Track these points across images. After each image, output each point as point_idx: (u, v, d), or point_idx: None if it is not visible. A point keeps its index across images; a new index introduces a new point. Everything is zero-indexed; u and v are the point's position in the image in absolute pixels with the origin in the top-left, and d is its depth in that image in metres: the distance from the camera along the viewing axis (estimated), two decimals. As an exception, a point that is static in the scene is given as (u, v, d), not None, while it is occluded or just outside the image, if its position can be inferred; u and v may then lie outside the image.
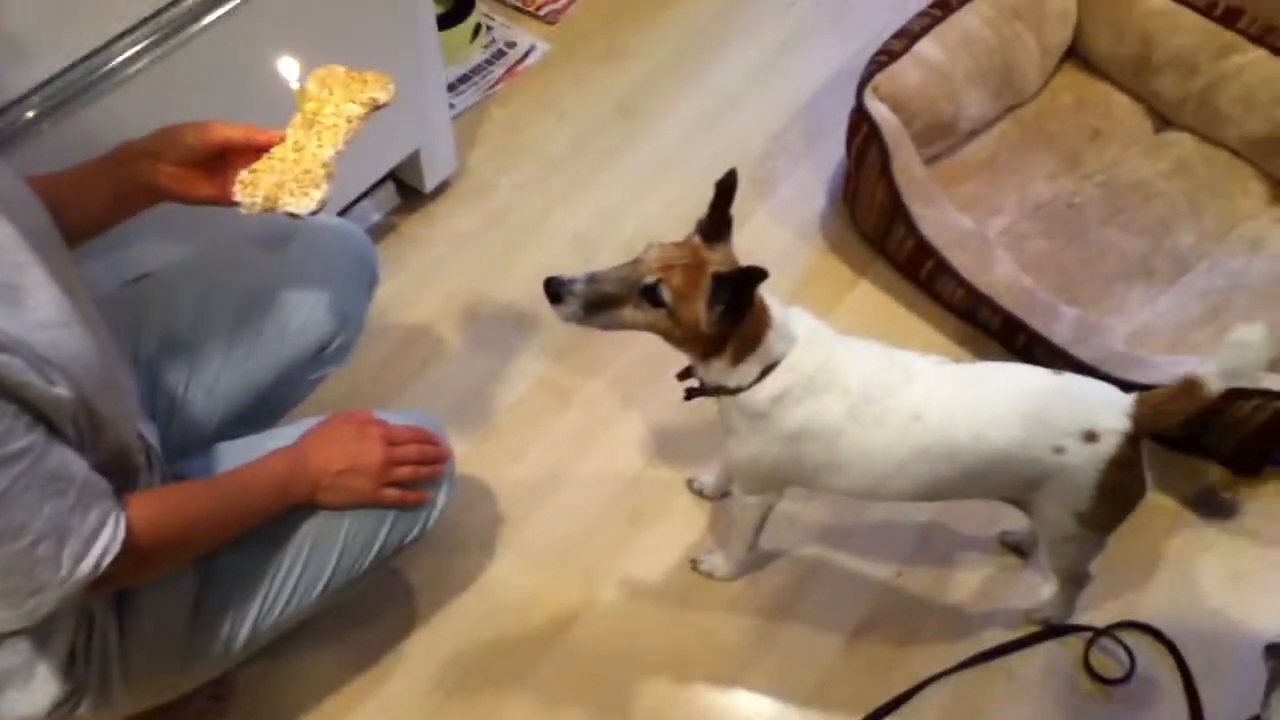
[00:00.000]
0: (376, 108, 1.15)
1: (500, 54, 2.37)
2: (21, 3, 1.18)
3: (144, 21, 1.34)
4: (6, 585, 0.89)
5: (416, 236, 2.08)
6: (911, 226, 1.91)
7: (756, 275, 1.19)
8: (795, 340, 1.31)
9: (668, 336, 1.30)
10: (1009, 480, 1.38)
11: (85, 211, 1.14)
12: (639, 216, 2.12)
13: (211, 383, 1.34)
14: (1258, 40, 2.06)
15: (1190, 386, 1.28)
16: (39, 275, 0.93)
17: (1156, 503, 1.78)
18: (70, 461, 0.92)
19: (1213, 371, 1.26)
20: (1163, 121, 2.20)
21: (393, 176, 2.02)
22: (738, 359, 1.30)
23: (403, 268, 2.02)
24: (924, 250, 1.91)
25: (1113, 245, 2.00)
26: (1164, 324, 1.90)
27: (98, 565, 0.93)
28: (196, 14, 1.39)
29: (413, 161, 1.98)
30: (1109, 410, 1.31)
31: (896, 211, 1.92)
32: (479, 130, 2.24)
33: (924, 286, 1.99)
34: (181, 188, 1.14)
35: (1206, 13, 2.10)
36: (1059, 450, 1.31)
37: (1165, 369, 1.73)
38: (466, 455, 1.76)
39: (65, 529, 0.90)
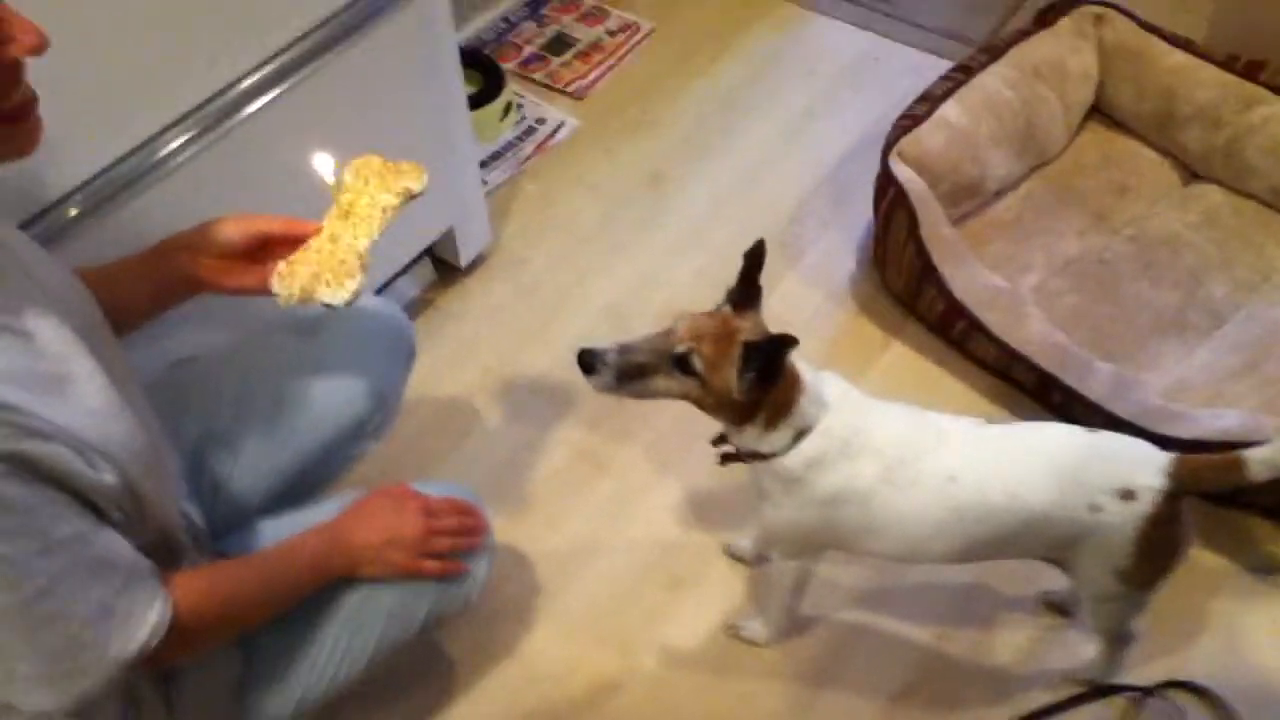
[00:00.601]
0: (411, 197, 1.18)
1: (530, 130, 2.43)
2: (68, 106, 1.23)
3: (187, 115, 1.39)
4: (52, 668, 0.90)
5: (452, 311, 2.11)
6: (942, 287, 1.92)
7: (786, 343, 1.21)
8: (827, 405, 1.32)
9: (700, 404, 1.31)
10: (1047, 540, 1.37)
11: (129, 303, 1.17)
12: (670, 285, 2.15)
13: (253, 463, 1.36)
14: (1280, 92, 2.07)
15: (1233, 464, 1.27)
16: (87, 365, 0.96)
17: (1201, 559, 1.75)
18: (116, 545, 0.94)
19: (1260, 457, 1.25)
20: (1190, 174, 2.20)
21: (429, 253, 2.06)
22: (771, 425, 1.31)
23: (439, 342, 2.05)
24: (955, 310, 1.92)
25: (1145, 299, 2.00)
26: (1201, 377, 1.88)
27: (143, 648, 0.94)
28: (239, 104, 1.44)
29: (448, 238, 2.03)
30: (1146, 468, 1.31)
31: (926, 272, 1.94)
32: (511, 205, 2.29)
33: (957, 346, 1.99)
34: (222, 279, 1.17)
35: (1228, 66, 2.12)
36: (1095, 509, 1.30)
37: (1205, 422, 1.72)
38: (503, 526, 1.76)
39: (111, 612, 0.92)
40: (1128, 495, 1.29)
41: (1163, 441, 1.71)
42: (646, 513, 1.85)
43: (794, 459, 1.32)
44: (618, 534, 1.83)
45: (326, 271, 1.11)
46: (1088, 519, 1.31)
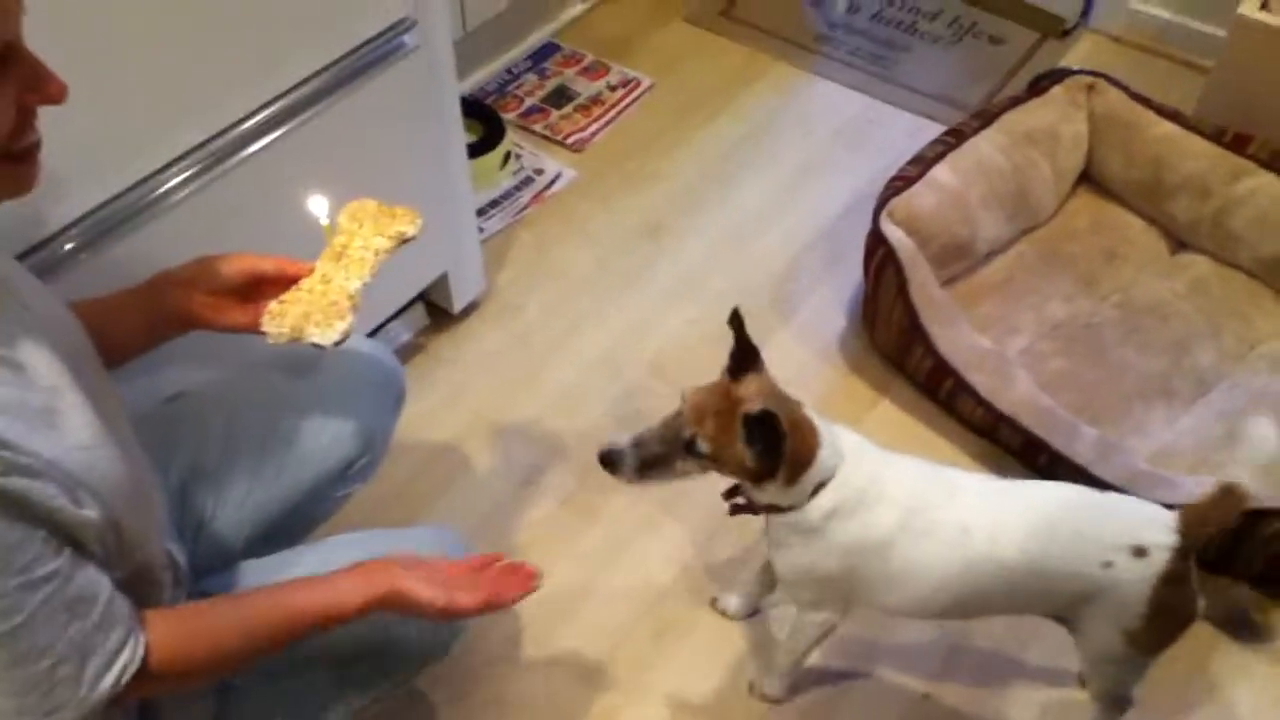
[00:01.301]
0: (404, 241, 1.19)
1: (529, 180, 2.45)
2: (70, 140, 1.24)
3: (187, 154, 1.41)
4: (25, 703, 0.89)
5: (444, 356, 2.12)
6: (930, 346, 1.94)
7: (772, 417, 1.22)
8: (844, 456, 1.33)
9: (726, 476, 1.33)
10: (1058, 596, 1.37)
11: (120, 336, 1.18)
12: (663, 336, 2.16)
13: (239, 502, 1.36)
14: (1267, 165, 2.11)
15: (1227, 491, 1.29)
16: (76, 399, 0.96)
17: (1190, 630, 1.75)
18: (95, 582, 0.93)
19: (1242, 473, 1.27)
20: (1178, 243, 2.23)
21: (422, 297, 2.08)
22: (791, 481, 1.31)
23: (431, 387, 2.06)
24: (943, 369, 1.94)
25: (1131, 365, 2.02)
26: (1186, 444, 1.89)
27: (117, 683, 0.94)
28: (240, 145, 1.46)
29: (442, 283, 2.04)
30: (1155, 525, 1.32)
31: (915, 331, 1.95)
32: (507, 253, 2.31)
33: (944, 405, 2.00)
34: (213, 316, 1.18)
35: (1216, 139, 2.16)
36: (1107, 565, 1.31)
37: (1189, 489, 1.72)
38: (489, 573, 1.76)
39: (88, 649, 0.91)
40: (1140, 552, 1.30)
41: (1148, 507, 1.73)
42: (635, 561, 1.85)
43: (812, 511, 1.33)
44: (606, 582, 1.82)
45: (317, 312, 1.12)
46: (1100, 576, 1.31)
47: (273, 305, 1.14)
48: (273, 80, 1.49)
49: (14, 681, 0.88)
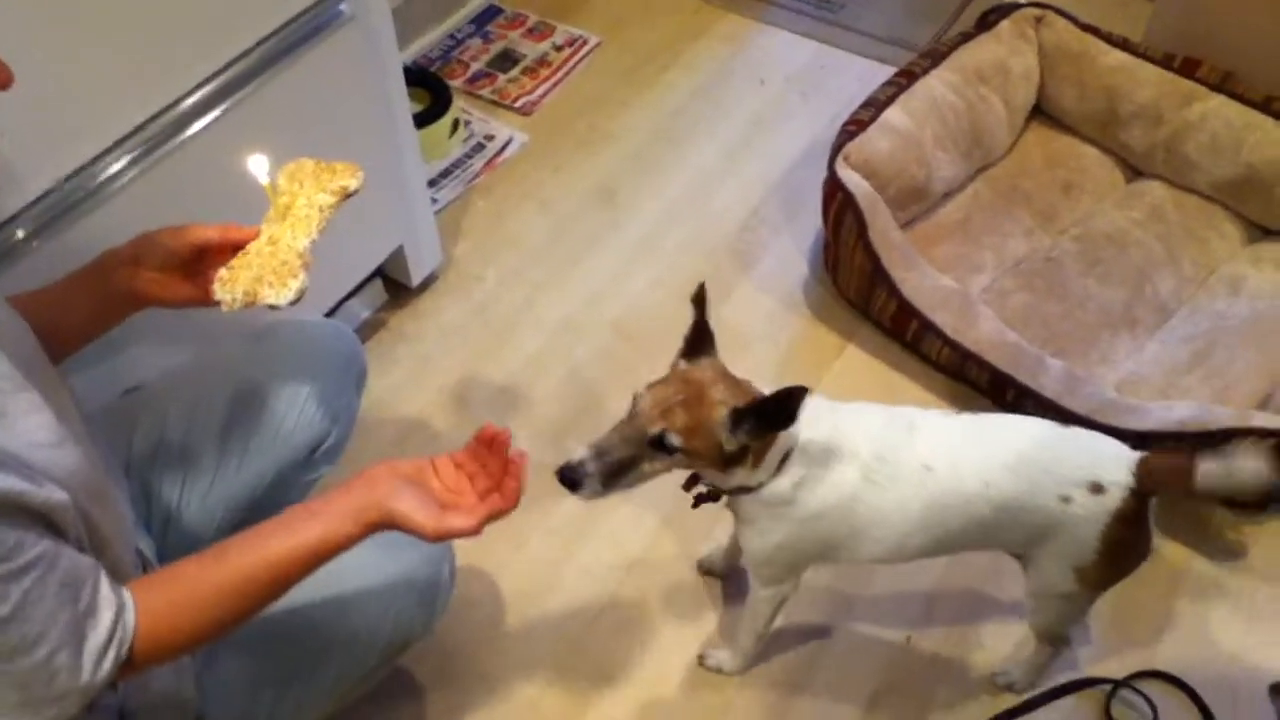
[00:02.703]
0: (347, 195, 1.16)
1: (480, 147, 2.42)
2: (13, 126, 1.20)
3: (129, 135, 1.37)
4: (27, 695, 0.87)
5: (405, 331, 2.09)
6: (893, 289, 1.93)
7: (796, 395, 1.18)
8: (800, 421, 1.30)
9: (693, 468, 1.31)
10: (1019, 530, 1.37)
11: (68, 325, 1.15)
12: (624, 298, 2.14)
13: (205, 491, 1.34)
14: (1217, 88, 2.11)
15: (1183, 469, 1.28)
16: (31, 398, 0.94)
17: (1164, 550, 1.77)
18: (79, 564, 0.91)
19: (1205, 469, 1.26)
20: (1133, 172, 2.24)
21: (379, 273, 2.04)
22: (760, 458, 1.29)
23: (394, 363, 2.03)
24: (907, 312, 1.93)
25: (1094, 296, 2.03)
26: (1152, 371, 1.91)
27: (116, 663, 0.92)
28: (181, 124, 1.43)
29: (398, 257, 2.01)
30: (1115, 463, 1.32)
31: (877, 276, 1.95)
32: (462, 223, 2.28)
33: (910, 347, 2.00)
34: (162, 291, 1.15)
35: (1165, 64, 2.16)
36: (1066, 500, 1.31)
37: (1158, 414, 1.74)
38: (466, 549, 1.73)
39: (82, 634, 0.89)
40: (1097, 489, 1.30)
41: (1118, 434, 1.74)
42: (611, 531, 1.84)
43: (782, 483, 1.31)
44: (583, 552, 1.81)
45: (269, 273, 1.10)
46: (1057, 510, 1.31)
47: (222, 272, 1.11)
48: (207, 58, 1.45)
49: (13, 674, 0.86)
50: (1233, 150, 2.08)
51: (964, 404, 1.94)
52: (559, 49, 2.63)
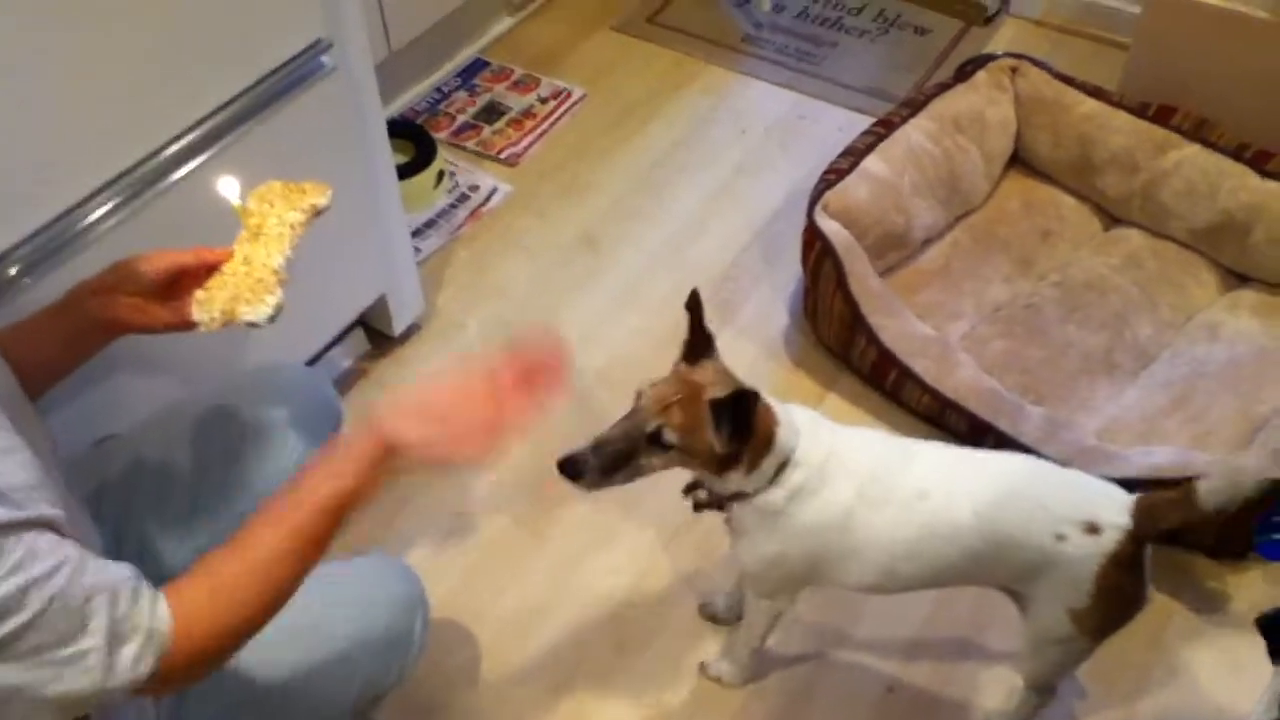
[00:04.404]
0: (318, 213, 1.18)
1: (464, 197, 2.43)
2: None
3: (111, 182, 1.39)
4: (64, 700, 0.86)
5: (387, 380, 2.09)
6: (872, 337, 1.94)
7: (750, 397, 1.22)
8: (799, 433, 1.33)
9: (688, 467, 1.32)
10: (1010, 565, 1.36)
11: (42, 359, 1.14)
12: (607, 345, 2.15)
13: (180, 538, 1.33)
14: (1192, 136, 2.14)
15: (1188, 495, 1.27)
16: (9, 438, 0.93)
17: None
18: (106, 566, 0.90)
19: (1208, 486, 1.26)
20: (1111, 219, 2.26)
21: (361, 322, 2.05)
22: (754, 464, 1.31)
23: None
24: (887, 359, 1.94)
25: (1073, 342, 2.03)
26: (1132, 416, 1.91)
27: (152, 665, 0.89)
28: (162, 172, 1.44)
29: (380, 306, 2.02)
30: (1111, 504, 1.31)
31: (856, 323, 1.95)
32: (445, 272, 2.29)
33: (890, 395, 2.00)
34: (139, 317, 1.15)
35: (1140, 113, 2.19)
36: (1060, 538, 1.30)
37: (1137, 460, 1.74)
38: (446, 597, 1.74)
39: (119, 636, 0.87)
40: (1093, 529, 1.29)
41: (1097, 481, 1.74)
42: (590, 577, 1.83)
43: (777, 493, 1.32)
44: (563, 599, 1.80)
45: (245, 291, 1.11)
46: (1051, 548, 1.30)
47: (199, 294, 1.12)
48: (190, 106, 1.46)
49: (42, 679, 0.84)
50: (1208, 197, 2.10)
51: (945, 450, 1.94)
52: (544, 101, 2.66)
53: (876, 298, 1.96)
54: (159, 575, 1.28)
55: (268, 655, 1.19)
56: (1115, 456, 1.77)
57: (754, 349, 2.14)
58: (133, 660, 0.88)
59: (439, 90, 2.70)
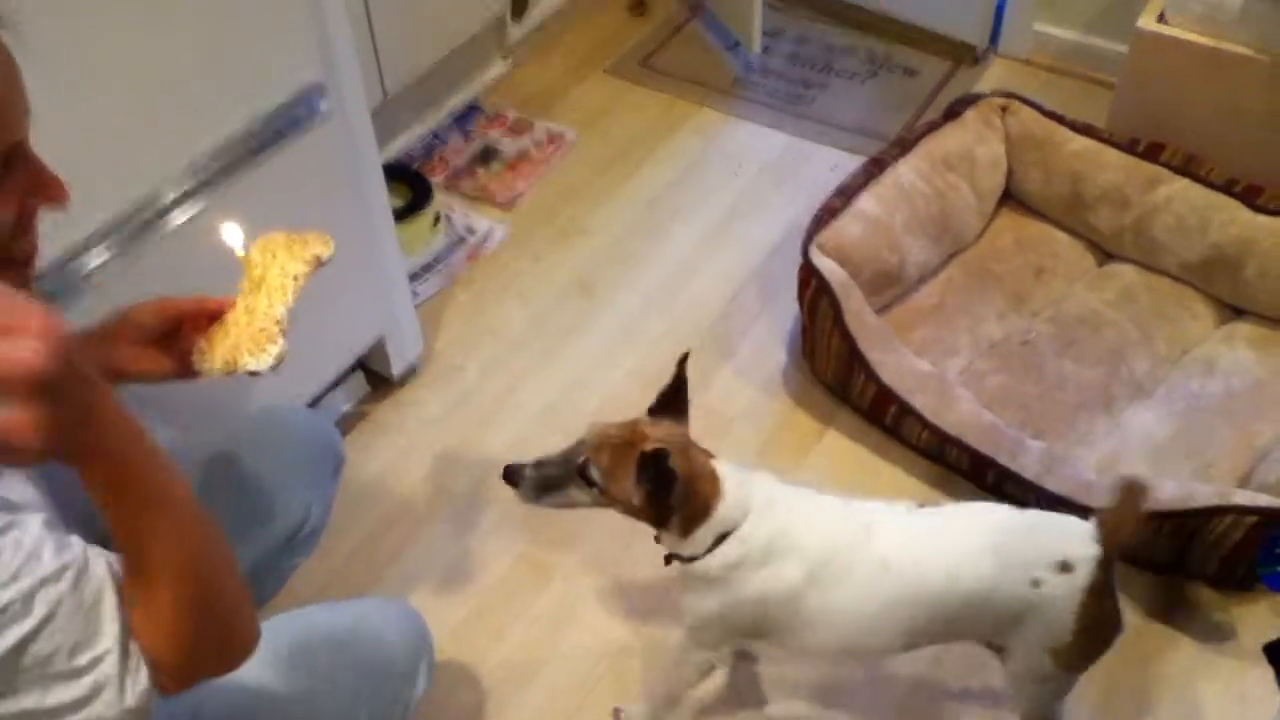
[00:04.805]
0: (320, 264, 1.18)
1: (461, 240, 2.44)
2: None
3: (104, 232, 1.39)
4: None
5: (387, 423, 2.09)
6: (871, 373, 1.95)
7: (660, 456, 1.23)
8: (750, 511, 1.32)
9: (620, 512, 1.33)
10: (990, 620, 1.36)
11: None
12: (603, 387, 2.15)
13: None
14: (1181, 171, 2.16)
15: (1129, 486, 1.30)
16: (22, 488, 0.92)
17: (1151, 631, 1.76)
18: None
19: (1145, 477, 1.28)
20: (1104, 254, 2.27)
21: (360, 365, 2.05)
22: (686, 530, 1.31)
23: (375, 455, 2.03)
24: (886, 396, 1.94)
25: (1070, 377, 2.04)
26: (1131, 449, 1.91)
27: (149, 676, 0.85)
28: (159, 217, 1.45)
29: (379, 349, 2.02)
30: (1077, 538, 1.31)
31: (854, 360, 1.96)
32: (444, 315, 2.29)
33: (890, 431, 2.00)
34: (140, 366, 1.14)
35: (1129, 149, 2.21)
36: (1036, 583, 1.30)
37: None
38: (447, 639, 1.73)
39: (128, 650, 0.84)
40: (1065, 567, 1.29)
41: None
42: (592, 618, 1.81)
43: (713, 562, 1.32)
44: (565, 641, 1.79)
45: (246, 340, 1.10)
46: (1030, 595, 1.30)
47: (201, 343, 1.12)
48: (185, 150, 1.47)
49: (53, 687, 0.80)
50: (1199, 232, 2.12)
51: (945, 487, 1.94)
52: (539, 144, 2.68)
53: (873, 334, 1.97)
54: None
55: (272, 694, 1.18)
56: (1116, 490, 1.76)
57: (752, 387, 2.14)
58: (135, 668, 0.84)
59: (434, 135, 2.72)
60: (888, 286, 2.13)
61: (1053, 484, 1.78)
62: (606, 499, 1.30)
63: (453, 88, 2.78)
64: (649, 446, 1.25)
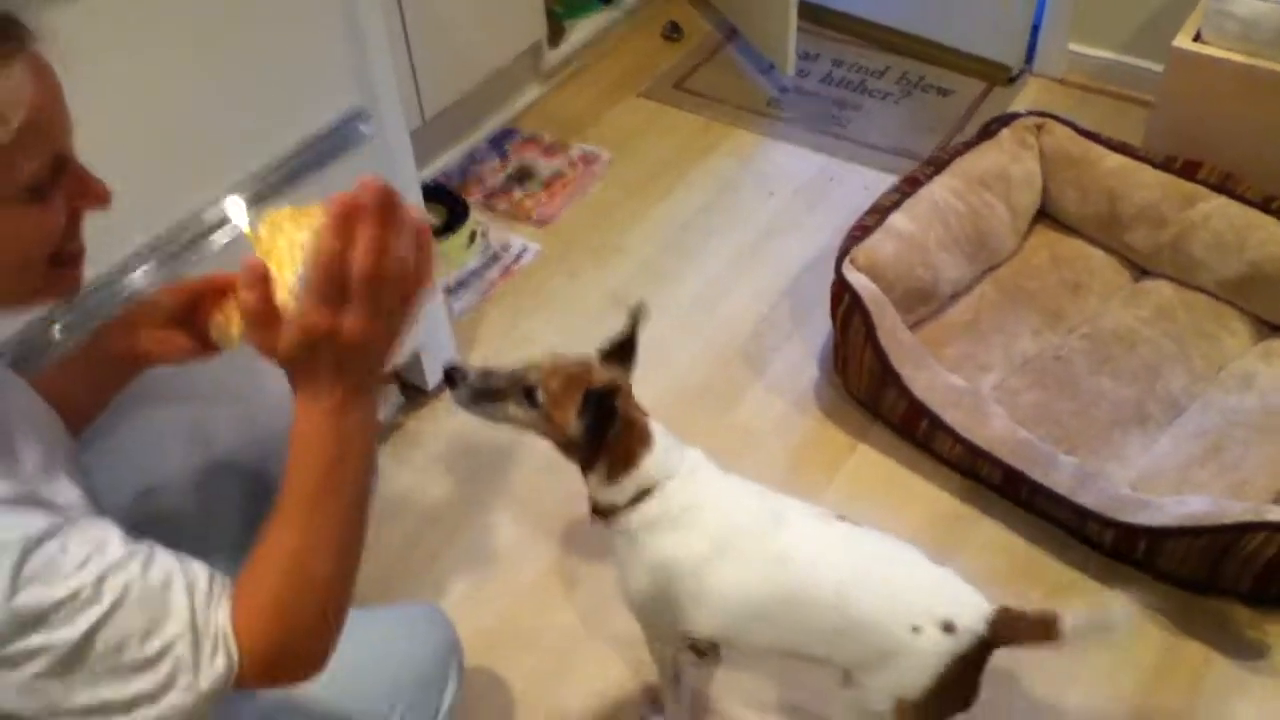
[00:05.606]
0: None
1: (496, 257, 2.48)
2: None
3: (146, 251, 1.43)
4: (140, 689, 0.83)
5: (422, 433, 2.12)
6: (903, 389, 1.95)
7: (613, 392, 1.29)
8: (674, 473, 1.34)
9: (549, 439, 1.36)
10: (859, 648, 1.33)
11: (71, 404, 1.17)
12: (637, 401, 2.17)
13: None
14: (1218, 189, 2.15)
15: (1049, 624, 1.26)
16: (64, 486, 0.95)
17: (1184, 649, 1.74)
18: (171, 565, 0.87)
19: (1073, 623, 1.25)
20: (1139, 271, 2.26)
21: (395, 376, 2.09)
22: (613, 476, 1.33)
23: (408, 464, 2.05)
24: (918, 411, 1.94)
25: (1104, 393, 2.03)
26: (1165, 466, 1.90)
27: (227, 662, 0.86)
28: (201, 238, 1.48)
29: (414, 361, 2.06)
30: (972, 611, 1.29)
31: (887, 375, 1.96)
32: (478, 329, 2.32)
33: (922, 446, 2.00)
34: (163, 347, 1.18)
35: (1166, 167, 2.20)
36: (916, 630, 1.28)
37: (1171, 509, 1.73)
38: (478, 645, 1.73)
39: (201, 630, 0.85)
40: (949, 628, 1.27)
41: (1131, 531, 1.73)
42: (622, 627, 1.82)
43: (631, 517, 1.35)
44: (595, 648, 1.80)
45: None
46: (905, 638, 1.28)
47: (217, 317, 1.15)
48: (228, 172, 1.51)
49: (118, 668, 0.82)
50: (1237, 249, 2.10)
51: (977, 502, 1.94)
52: (573, 165, 2.72)
53: (906, 350, 1.97)
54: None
55: (303, 702, 1.20)
56: (1150, 505, 1.75)
57: (784, 402, 2.15)
58: (210, 654, 0.85)
59: (470, 156, 2.76)
60: (921, 303, 2.13)
61: (1086, 499, 1.77)
62: (543, 424, 1.33)
63: (489, 111, 2.84)
64: (598, 383, 1.30)
